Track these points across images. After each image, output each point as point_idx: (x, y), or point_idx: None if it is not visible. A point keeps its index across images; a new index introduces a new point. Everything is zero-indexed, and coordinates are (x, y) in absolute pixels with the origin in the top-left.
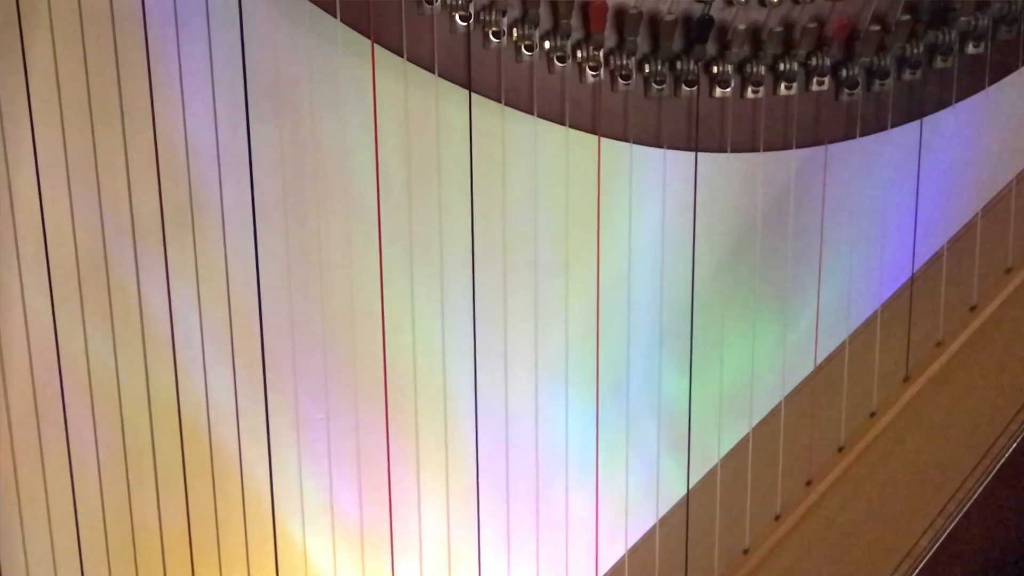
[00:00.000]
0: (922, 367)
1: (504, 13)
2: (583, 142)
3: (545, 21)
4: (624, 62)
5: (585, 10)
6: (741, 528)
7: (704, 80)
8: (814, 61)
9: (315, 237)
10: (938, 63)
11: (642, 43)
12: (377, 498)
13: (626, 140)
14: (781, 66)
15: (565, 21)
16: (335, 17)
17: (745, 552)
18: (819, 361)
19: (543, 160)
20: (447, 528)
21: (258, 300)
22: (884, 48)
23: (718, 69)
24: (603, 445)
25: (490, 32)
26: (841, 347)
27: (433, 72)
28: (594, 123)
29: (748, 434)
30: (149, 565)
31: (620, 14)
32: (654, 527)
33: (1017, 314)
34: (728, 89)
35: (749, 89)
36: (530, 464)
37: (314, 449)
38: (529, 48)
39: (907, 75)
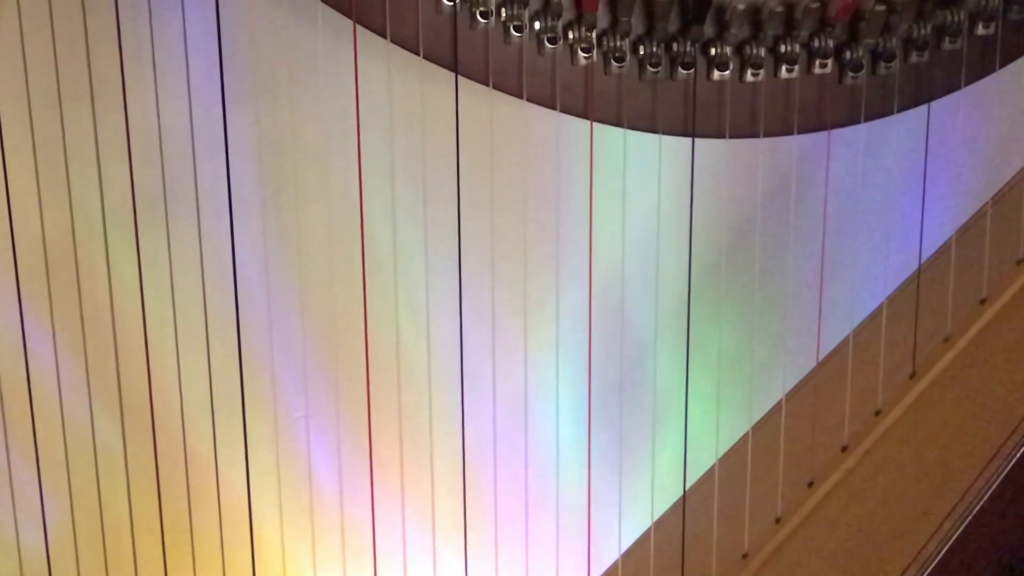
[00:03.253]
0: (930, 363)
1: None
2: (575, 127)
3: (535, 0)
4: (618, 43)
5: None
6: (740, 531)
7: (701, 62)
8: (817, 42)
9: (294, 227)
10: (946, 45)
11: (636, 23)
12: (359, 500)
13: (620, 125)
14: (782, 48)
15: (556, 0)
16: None
17: (744, 556)
18: (822, 357)
19: (533, 146)
20: (432, 531)
21: (234, 292)
22: (890, 29)
23: (716, 51)
24: (596, 444)
25: (477, 12)
26: (845, 342)
27: (418, 54)
28: (586, 107)
29: (747, 433)
30: (120, 569)
31: None
32: (649, 530)
33: None
34: (727, 72)
35: (748, 72)
36: (519, 464)
37: (293, 448)
38: (518, 29)
39: (914, 57)
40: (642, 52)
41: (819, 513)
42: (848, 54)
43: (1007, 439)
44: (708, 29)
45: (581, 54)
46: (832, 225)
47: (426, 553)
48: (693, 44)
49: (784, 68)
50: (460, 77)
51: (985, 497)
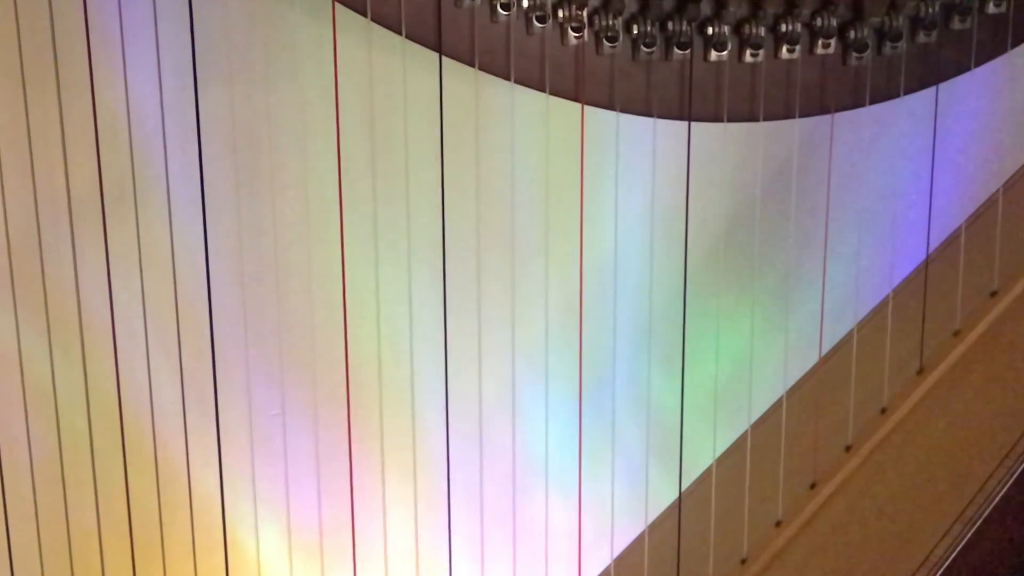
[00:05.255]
0: (938, 358)
1: None
2: (565, 110)
3: None
4: (610, 22)
5: None
6: (739, 535)
7: (698, 42)
8: (819, 21)
9: (270, 216)
10: (955, 24)
11: (630, 1)
12: (338, 503)
13: (612, 108)
14: (783, 27)
15: None
16: None
17: (743, 562)
18: (824, 352)
19: (521, 131)
20: (415, 536)
21: (207, 285)
22: (896, 7)
23: (713, 30)
24: (586, 444)
25: None
26: (849, 336)
27: (400, 34)
28: (577, 90)
29: (746, 432)
30: (87, 575)
31: None
32: (642, 534)
33: None
34: (724, 52)
35: (748, 52)
36: (506, 465)
37: (268, 448)
38: (505, 7)
39: (921, 37)
40: (636, 31)
41: (822, 516)
42: (852, 34)
43: (1020, 438)
44: (705, 7)
45: (572, 34)
46: (835, 213)
47: (408, 558)
48: (689, 23)
49: (785, 48)
50: (444, 58)
51: (997, 499)
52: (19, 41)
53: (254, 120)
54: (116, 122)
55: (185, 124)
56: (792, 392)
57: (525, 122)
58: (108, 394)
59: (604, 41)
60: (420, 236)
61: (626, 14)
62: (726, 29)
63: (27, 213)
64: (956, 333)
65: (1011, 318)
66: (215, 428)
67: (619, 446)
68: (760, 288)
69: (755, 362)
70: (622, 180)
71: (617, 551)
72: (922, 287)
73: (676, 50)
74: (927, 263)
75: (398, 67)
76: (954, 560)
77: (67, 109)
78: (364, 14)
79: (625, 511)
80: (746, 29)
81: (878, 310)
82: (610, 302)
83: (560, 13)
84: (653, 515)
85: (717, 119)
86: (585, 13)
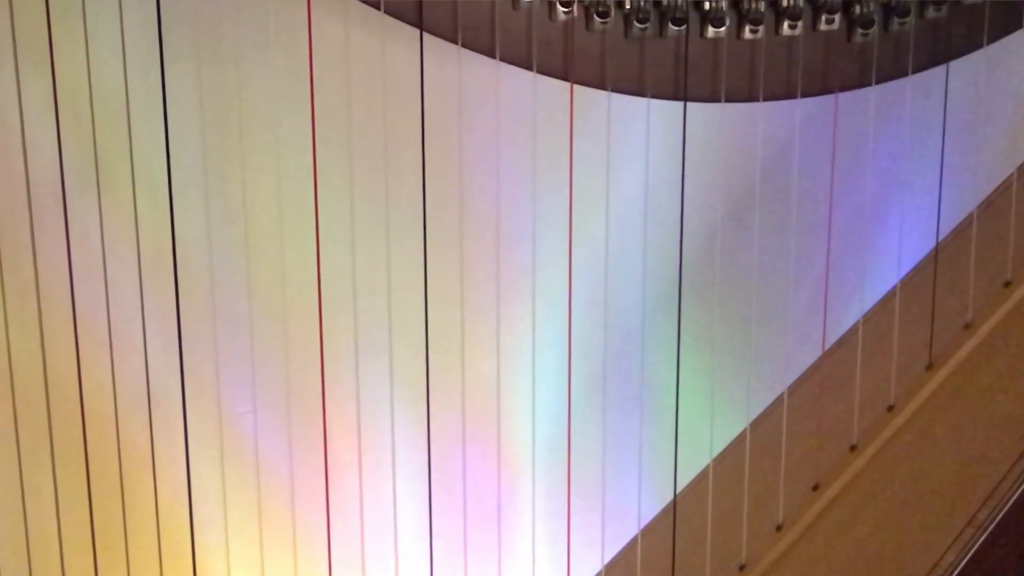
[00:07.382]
0: (948, 352)
1: None
2: (554, 90)
3: None
4: None
5: None
6: (737, 540)
7: (694, 18)
8: None
9: (240, 201)
10: None
11: None
12: (312, 505)
13: (603, 88)
14: (784, 1)
15: None
16: None
17: (742, 568)
18: (828, 346)
19: (506, 111)
20: (394, 539)
21: (174, 273)
22: None
23: (710, 5)
24: (576, 442)
25: None
26: (853, 329)
27: (379, 8)
28: (566, 68)
29: (745, 430)
30: None
31: None
32: (635, 538)
33: None
34: (722, 29)
35: (747, 29)
36: (491, 465)
37: (238, 447)
38: None
39: (931, 12)
40: (628, 6)
41: (825, 520)
42: (857, 9)
43: None
44: None
45: (560, 9)
46: (839, 199)
47: (387, 563)
48: None
49: (786, 24)
50: (425, 34)
51: (1010, 501)
52: None
53: (224, 99)
54: (78, 100)
55: (151, 103)
56: (794, 389)
57: (511, 102)
58: (69, 389)
59: (595, 16)
60: (400, 223)
61: None
62: (724, 4)
63: None
64: (967, 326)
65: None
66: (183, 425)
67: (611, 445)
68: (760, 278)
69: (755, 356)
70: (614, 163)
71: (608, 557)
72: (931, 277)
73: (671, 26)
74: (936, 252)
75: (376, 44)
76: (966, 566)
77: (26, 87)
78: None
79: (617, 514)
80: (745, 4)
81: (885, 302)
82: (601, 292)
83: None
84: (647, 518)
85: (714, 99)
86: None
